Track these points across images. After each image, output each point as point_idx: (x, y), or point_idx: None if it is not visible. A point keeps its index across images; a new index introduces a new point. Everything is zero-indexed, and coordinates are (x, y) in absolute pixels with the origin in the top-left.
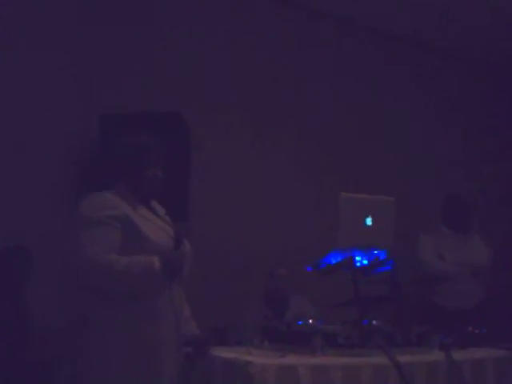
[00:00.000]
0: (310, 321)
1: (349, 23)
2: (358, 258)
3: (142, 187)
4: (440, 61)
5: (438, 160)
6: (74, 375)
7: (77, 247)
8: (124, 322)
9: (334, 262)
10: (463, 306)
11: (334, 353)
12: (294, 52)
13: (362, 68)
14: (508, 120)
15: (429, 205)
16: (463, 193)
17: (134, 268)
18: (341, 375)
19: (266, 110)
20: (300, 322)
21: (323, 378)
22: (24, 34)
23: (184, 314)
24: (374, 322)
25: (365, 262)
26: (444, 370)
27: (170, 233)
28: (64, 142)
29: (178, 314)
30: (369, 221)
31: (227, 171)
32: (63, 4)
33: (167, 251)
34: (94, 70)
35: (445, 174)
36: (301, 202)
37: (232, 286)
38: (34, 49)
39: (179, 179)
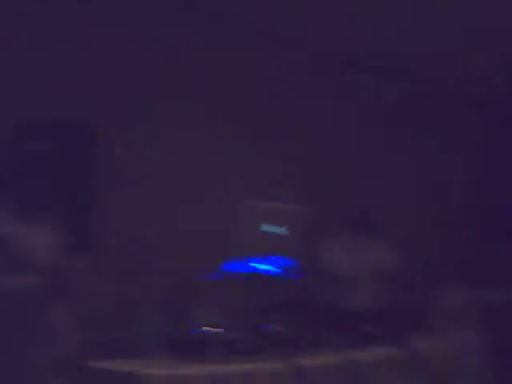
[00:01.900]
0: (210, 329)
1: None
2: (259, 265)
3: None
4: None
5: (342, 166)
6: None
7: None
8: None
9: (235, 269)
10: (365, 307)
11: (234, 360)
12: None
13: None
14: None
15: (332, 211)
16: (364, 199)
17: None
18: (240, 382)
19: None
20: (200, 331)
21: None
22: None
23: (71, 329)
24: (275, 328)
25: (267, 268)
26: (343, 370)
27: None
28: None
29: (63, 330)
30: (276, 229)
31: (131, 175)
32: None
33: (54, 268)
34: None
35: (348, 181)
36: (202, 210)
37: (130, 295)
38: None
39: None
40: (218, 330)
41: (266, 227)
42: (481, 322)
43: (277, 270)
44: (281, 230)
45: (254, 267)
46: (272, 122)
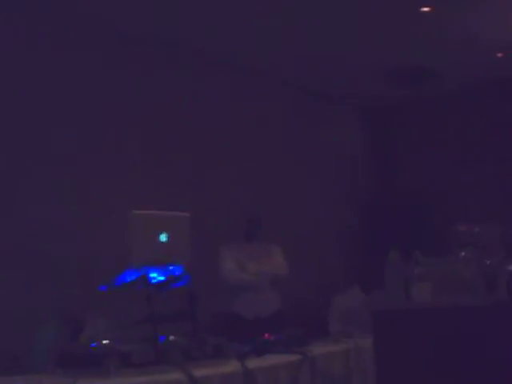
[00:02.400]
0: (105, 342)
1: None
2: (153, 275)
3: None
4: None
5: (233, 174)
6: None
7: None
8: None
9: (128, 279)
10: (262, 314)
11: (130, 373)
12: None
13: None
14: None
15: (227, 218)
16: (257, 207)
17: None
18: None
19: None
20: (94, 344)
21: None
22: None
23: None
24: (171, 338)
25: (160, 278)
26: (240, 379)
27: None
28: None
29: None
30: (163, 237)
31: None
32: None
33: None
34: None
35: (241, 189)
36: (93, 221)
37: (23, 309)
38: None
39: None
40: (114, 342)
41: (159, 236)
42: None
43: (171, 279)
44: (172, 238)
45: (148, 277)
46: (160, 131)
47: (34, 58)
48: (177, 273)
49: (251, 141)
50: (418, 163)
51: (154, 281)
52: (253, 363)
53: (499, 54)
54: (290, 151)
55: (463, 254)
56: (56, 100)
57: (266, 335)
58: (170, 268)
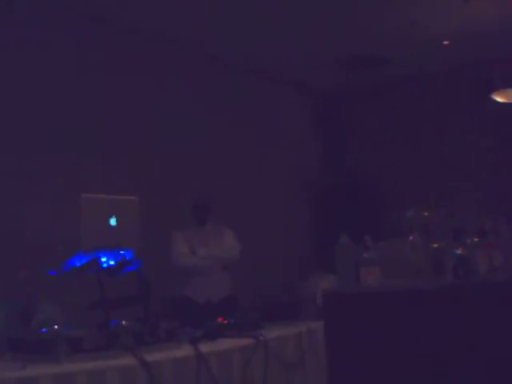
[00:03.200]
0: (56, 327)
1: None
2: (103, 259)
3: None
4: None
5: (183, 158)
6: None
7: None
8: None
9: (78, 264)
10: (214, 298)
11: (80, 358)
12: None
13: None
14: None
15: (177, 202)
16: (204, 193)
17: None
18: (86, 381)
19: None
20: (44, 330)
21: None
22: None
23: None
24: (122, 323)
25: (111, 262)
26: (193, 363)
27: None
28: None
29: None
30: (113, 221)
31: None
32: None
33: None
34: None
35: (192, 173)
36: (43, 202)
37: None
38: None
39: None
40: (64, 327)
41: (109, 220)
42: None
43: (122, 263)
44: (122, 222)
45: (98, 260)
46: (110, 114)
47: None
48: (127, 257)
49: (200, 125)
50: (368, 149)
51: (104, 265)
52: (206, 347)
53: (445, 42)
54: (240, 135)
55: (411, 238)
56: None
57: (219, 319)
58: (121, 252)
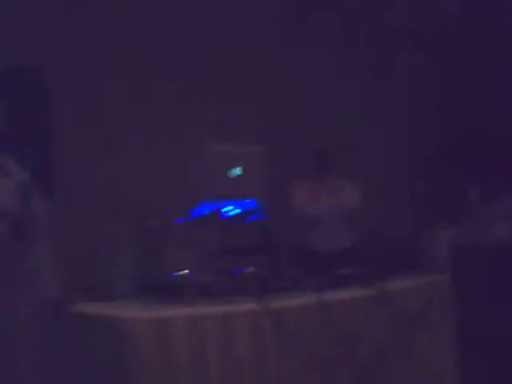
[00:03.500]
0: (185, 272)
1: None
2: (228, 208)
3: None
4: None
5: (308, 106)
6: None
7: None
8: None
9: (204, 212)
10: (336, 248)
11: (208, 302)
12: None
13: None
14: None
15: (299, 151)
16: (330, 142)
17: None
18: (216, 324)
19: (129, 63)
20: (174, 274)
21: (198, 329)
22: None
23: (46, 275)
24: (248, 270)
25: (236, 211)
26: (316, 312)
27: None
28: None
29: (36, 278)
30: (238, 170)
31: (94, 125)
32: None
33: (13, 215)
34: None
35: (314, 120)
36: (168, 153)
37: (104, 239)
38: None
39: (41, 133)
40: (192, 272)
41: (232, 169)
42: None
43: (245, 211)
44: (246, 172)
45: (223, 209)
46: (229, 62)
47: None
48: (252, 206)
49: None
50: None
51: (229, 214)
52: (329, 296)
53: None
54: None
55: None
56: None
57: (342, 268)
58: (245, 201)
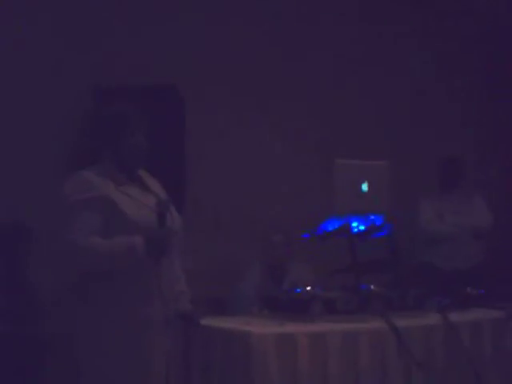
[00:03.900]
0: (309, 288)
1: None
2: (354, 224)
3: (123, 157)
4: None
5: (433, 121)
6: (64, 354)
7: (60, 231)
8: (111, 303)
9: (330, 228)
10: (462, 267)
11: (333, 319)
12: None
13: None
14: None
15: (427, 167)
16: (458, 153)
17: (115, 250)
18: (339, 341)
19: (260, 80)
20: (298, 290)
21: (322, 345)
22: None
23: (176, 289)
24: (372, 287)
25: (361, 227)
26: (441, 332)
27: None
28: (59, 116)
29: (167, 292)
30: (364, 186)
31: (224, 141)
32: None
33: (151, 230)
34: (85, 41)
35: (441, 135)
36: (297, 170)
37: (231, 254)
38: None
39: (174, 149)
40: (316, 288)
41: (360, 185)
42: None
43: (371, 228)
44: (372, 188)
45: (349, 225)
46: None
47: None
48: (378, 222)
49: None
50: None
51: (355, 230)
52: (455, 317)
53: None
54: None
55: None
56: None
57: (467, 288)
58: (371, 217)
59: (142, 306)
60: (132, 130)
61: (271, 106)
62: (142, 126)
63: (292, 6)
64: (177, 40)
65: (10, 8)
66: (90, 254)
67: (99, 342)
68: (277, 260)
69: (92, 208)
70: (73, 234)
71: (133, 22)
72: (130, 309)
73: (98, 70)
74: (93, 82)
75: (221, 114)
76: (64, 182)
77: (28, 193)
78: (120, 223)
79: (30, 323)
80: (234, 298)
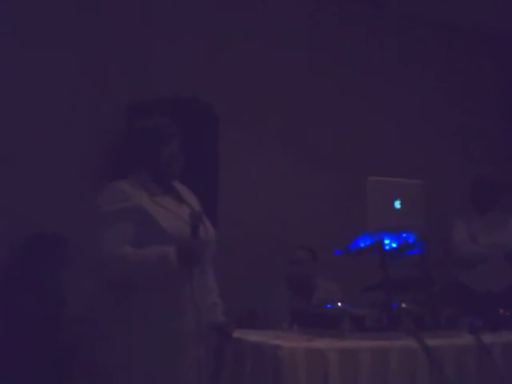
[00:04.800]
0: (339, 304)
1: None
2: (386, 242)
3: (159, 167)
4: (459, 40)
5: (466, 141)
6: (95, 364)
7: (93, 241)
8: (143, 313)
9: (362, 245)
10: (495, 288)
11: (363, 336)
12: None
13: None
14: None
15: (460, 187)
16: (491, 173)
17: (148, 260)
18: (369, 358)
19: (294, 99)
20: (328, 306)
21: (351, 362)
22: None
23: (209, 300)
24: (403, 305)
25: (393, 245)
26: (474, 353)
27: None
28: (93, 130)
29: (200, 303)
30: (397, 204)
31: (254, 160)
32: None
33: (184, 240)
34: (119, 57)
35: (476, 156)
36: (330, 188)
37: (262, 269)
38: (45, 40)
39: (207, 164)
40: (347, 305)
41: (393, 202)
42: None
43: (404, 245)
44: (406, 205)
45: (381, 242)
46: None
47: None
48: (410, 240)
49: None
50: None
51: (387, 247)
52: (487, 338)
53: None
54: None
55: None
56: None
57: (501, 310)
58: (404, 235)
59: (175, 316)
60: (168, 142)
61: (304, 124)
62: (177, 139)
63: (325, 33)
64: (215, 64)
65: (48, 25)
66: (122, 263)
67: (131, 353)
68: (301, 275)
69: (126, 218)
70: (106, 244)
71: (172, 41)
72: (162, 319)
73: (136, 86)
74: (130, 99)
75: (253, 132)
76: (98, 192)
77: (64, 203)
78: (153, 233)
79: (62, 332)
80: (264, 311)
